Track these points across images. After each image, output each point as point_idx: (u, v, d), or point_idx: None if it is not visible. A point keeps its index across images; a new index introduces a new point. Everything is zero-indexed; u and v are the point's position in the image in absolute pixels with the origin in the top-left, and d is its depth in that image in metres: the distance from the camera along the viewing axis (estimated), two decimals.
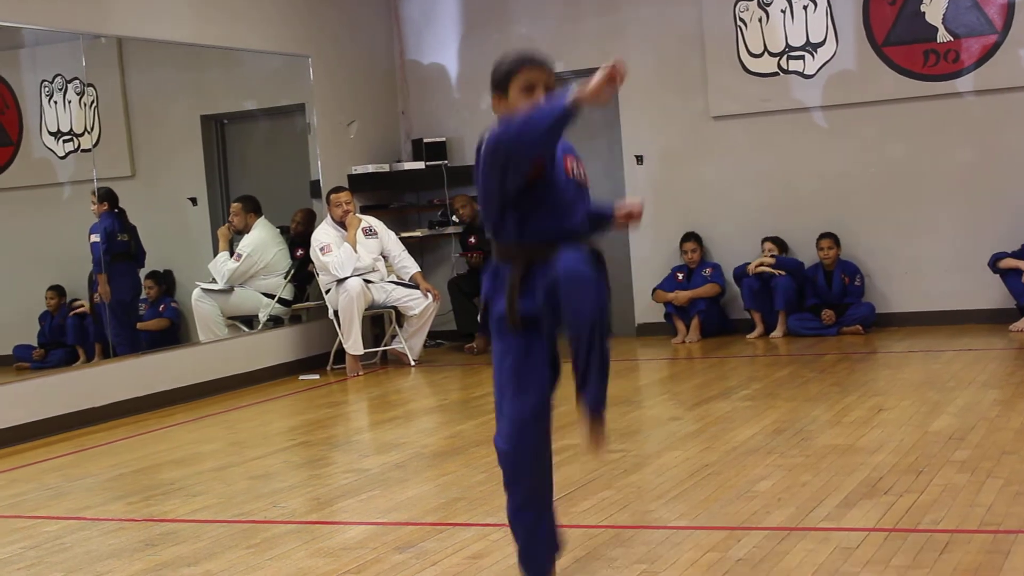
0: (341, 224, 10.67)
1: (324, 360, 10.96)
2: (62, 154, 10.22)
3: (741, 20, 11.22)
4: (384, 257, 10.91)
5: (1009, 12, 10.38)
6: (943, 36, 10.57)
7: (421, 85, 12.50)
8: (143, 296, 10.64)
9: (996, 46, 10.42)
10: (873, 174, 10.89)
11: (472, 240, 11.70)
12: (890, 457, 5.87)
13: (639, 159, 11.65)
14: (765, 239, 11.05)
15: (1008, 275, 10.15)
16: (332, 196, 10.75)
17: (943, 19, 10.57)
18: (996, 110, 10.51)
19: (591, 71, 12.17)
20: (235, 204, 11.14)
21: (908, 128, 10.76)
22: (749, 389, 8.20)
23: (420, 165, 12.06)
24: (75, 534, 5.68)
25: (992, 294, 10.42)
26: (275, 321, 11.14)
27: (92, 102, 10.16)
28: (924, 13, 10.62)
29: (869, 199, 10.92)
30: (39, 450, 8.05)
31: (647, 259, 11.61)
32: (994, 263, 10.20)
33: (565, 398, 4.09)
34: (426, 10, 12.47)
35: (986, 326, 10.34)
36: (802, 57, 11.05)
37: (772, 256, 10.89)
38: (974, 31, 10.49)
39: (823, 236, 10.81)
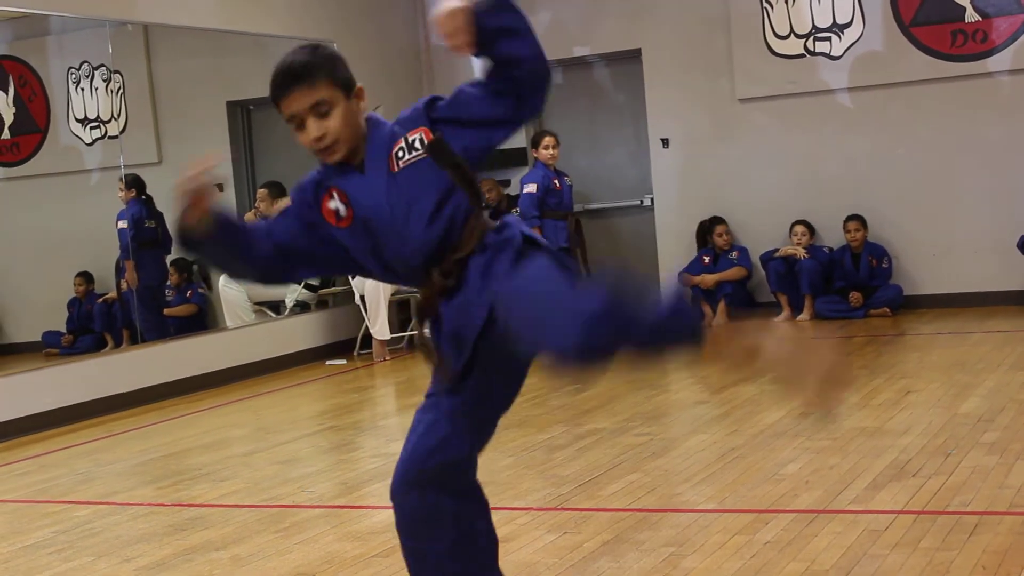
0: None
1: (351, 345, 10.98)
2: (89, 141, 10.26)
3: (767, 2, 11.16)
4: None
5: None
6: (971, 16, 10.50)
7: (446, 69, 12.49)
8: (170, 282, 10.67)
9: None
10: (901, 156, 10.84)
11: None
12: (918, 439, 5.85)
13: (665, 142, 11.62)
14: (795, 223, 11.00)
15: None
16: None
17: None
18: None
19: (616, 54, 12.16)
20: (261, 190, 11.16)
21: (936, 109, 10.70)
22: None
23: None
24: (105, 519, 5.71)
25: (1021, 275, 10.36)
26: (302, 307, 11.17)
27: (119, 89, 10.19)
28: None
29: (897, 181, 10.86)
30: (69, 435, 8.10)
31: (673, 242, 11.58)
32: (1023, 244, 10.13)
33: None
34: None
35: (1015, 307, 10.28)
36: (829, 38, 10.99)
37: (800, 247, 10.83)
38: (1003, 11, 10.42)
39: (850, 218, 10.76)
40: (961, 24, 10.53)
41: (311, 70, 3.11)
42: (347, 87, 3.16)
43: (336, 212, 3.21)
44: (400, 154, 3.13)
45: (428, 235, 3.11)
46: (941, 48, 10.61)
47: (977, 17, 10.47)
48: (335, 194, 3.21)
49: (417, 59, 12.50)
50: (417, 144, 3.12)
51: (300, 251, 3.29)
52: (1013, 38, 10.38)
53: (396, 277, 3.28)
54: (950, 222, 10.74)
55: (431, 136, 3.11)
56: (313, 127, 3.12)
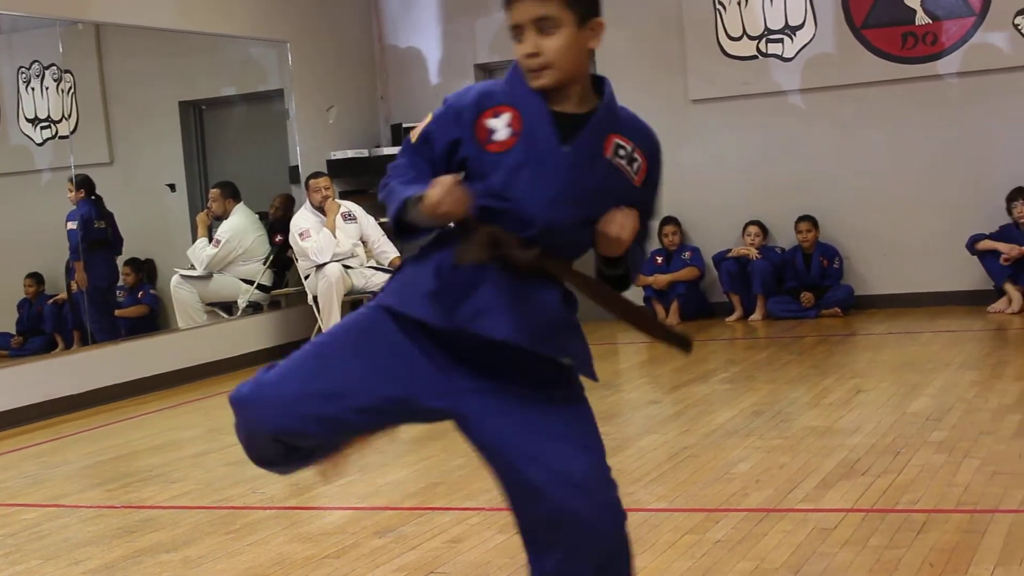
0: (320, 209, 10.64)
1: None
2: (39, 141, 10.18)
3: (720, 3, 11.21)
4: (363, 242, 10.88)
5: None
6: (921, 19, 10.58)
7: (400, 70, 12.48)
8: (121, 283, 10.60)
9: (974, 28, 10.44)
10: (852, 157, 10.90)
11: (451, 225, 11.66)
12: (868, 438, 5.89)
13: None
14: (748, 223, 11.05)
15: (986, 257, 10.18)
16: (311, 181, 10.72)
17: (921, 2, 10.59)
18: (974, 93, 10.53)
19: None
20: (214, 190, 11.10)
21: (886, 111, 10.78)
22: (728, 372, 8.22)
23: (399, 150, 12.01)
24: (53, 521, 5.66)
25: (970, 275, 10.45)
26: (254, 307, 11.12)
27: (69, 88, 10.12)
28: None
29: (848, 182, 10.93)
30: (17, 438, 8.02)
31: None
32: (972, 245, 10.23)
33: None
34: None
35: (964, 307, 10.37)
36: (781, 40, 11.05)
37: (753, 247, 10.88)
38: (952, 13, 10.51)
39: (801, 219, 10.83)
40: (912, 27, 10.61)
41: None
42: (584, 13, 2.83)
43: (491, 131, 2.81)
44: (619, 151, 2.87)
45: (559, 225, 2.81)
46: (892, 50, 10.69)
47: (927, 20, 10.56)
48: (506, 114, 2.81)
49: (371, 59, 12.48)
50: (636, 166, 2.91)
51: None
52: (962, 41, 10.47)
53: (491, 218, 2.82)
54: (900, 223, 10.81)
55: (644, 175, 2.94)
56: (530, 42, 2.78)
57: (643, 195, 2.95)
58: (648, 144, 2.95)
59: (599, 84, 2.92)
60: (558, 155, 2.78)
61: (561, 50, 2.77)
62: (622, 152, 2.86)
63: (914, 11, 10.60)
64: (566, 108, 2.84)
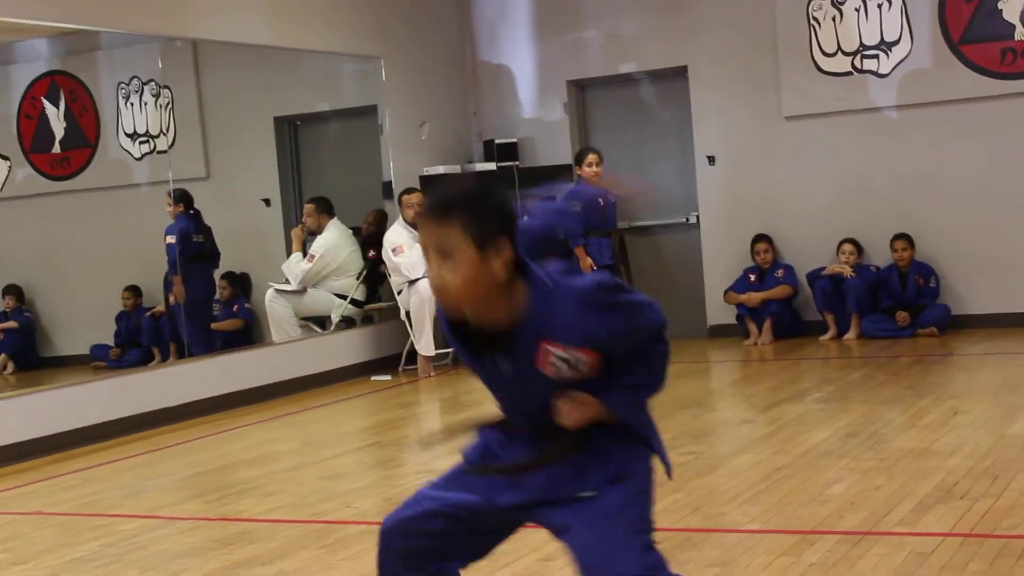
0: (413, 225, 10.69)
1: (396, 361, 11.00)
2: (138, 156, 10.36)
3: (814, 19, 11.13)
4: None
5: None
6: (1021, 34, 10.43)
7: (492, 86, 12.52)
8: (217, 296, 10.74)
9: None
10: (948, 174, 10.77)
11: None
12: (966, 461, 5.80)
13: (711, 160, 11.60)
14: (843, 241, 10.95)
15: None
16: (404, 197, 10.79)
17: (1021, 16, 10.43)
18: None
19: (663, 71, 12.12)
20: (308, 205, 11.21)
21: (984, 127, 10.63)
22: (822, 392, 8.14)
23: (492, 166, 12.07)
24: (151, 532, 5.74)
25: None
26: (347, 322, 11.20)
27: (168, 104, 10.28)
28: (1001, 11, 10.48)
29: (944, 199, 10.80)
30: (115, 449, 8.15)
31: (719, 260, 11.56)
32: None
33: None
34: (498, 11, 12.49)
35: None
36: (876, 56, 10.95)
37: (848, 265, 10.78)
38: None
39: (897, 237, 10.71)
40: (1011, 42, 10.46)
41: (447, 207, 2.78)
42: (482, 238, 2.74)
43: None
44: (554, 360, 2.82)
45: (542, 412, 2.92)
46: (990, 66, 10.54)
47: None
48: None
49: (464, 75, 12.54)
50: (580, 362, 2.83)
51: None
52: None
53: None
54: (998, 241, 10.66)
55: (596, 366, 2.86)
56: (433, 270, 2.79)
57: (613, 354, 2.90)
58: (583, 327, 2.81)
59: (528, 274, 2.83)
60: (505, 380, 2.91)
61: (462, 282, 2.75)
62: (556, 361, 2.82)
63: (1013, 26, 10.45)
64: (498, 323, 2.83)
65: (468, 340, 2.89)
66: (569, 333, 2.80)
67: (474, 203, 2.79)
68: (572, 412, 2.87)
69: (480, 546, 3.20)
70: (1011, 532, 4.61)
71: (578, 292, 2.82)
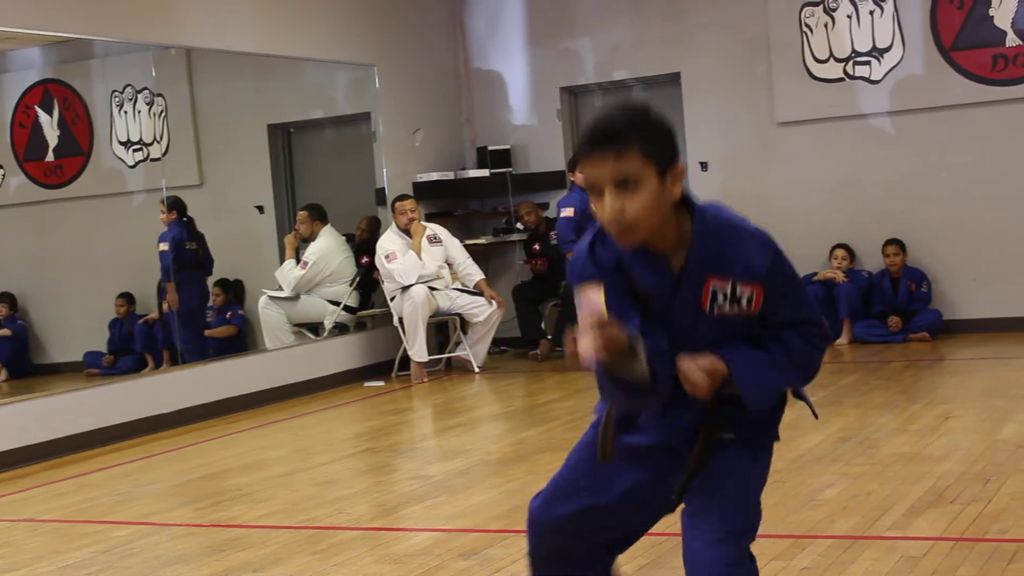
0: (406, 232, 10.72)
1: (389, 367, 11.01)
2: (132, 163, 10.36)
3: (807, 25, 11.16)
4: (449, 264, 10.96)
5: None
6: (1012, 40, 10.46)
7: (486, 93, 12.54)
8: (210, 303, 10.74)
9: None
10: (940, 180, 10.79)
11: (536, 247, 11.71)
12: (957, 466, 5.82)
13: (703, 165, 11.62)
14: (835, 246, 10.97)
15: None
16: (397, 204, 10.81)
17: (1012, 23, 10.46)
18: None
19: (655, 78, 12.13)
20: (301, 212, 11.23)
21: (976, 133, 10.66)
22: (815, 396, 8.07)
23: (485, 173, 12.09)
24: (144, 539, 5.75)
25: None
26: (340, 328, 11.22)
27: (161, 112, 10.29)
28: (993, 17, 10.52)
29: (936, 205, 10.82)
30: (108, 456, 8.15)
31: None
32: None
33: None
34: (490, 18, 12.51)
35: None
36: (868, 62, 10.98)
37: (840, 271, 10.80)
38: None
39: (889, 242, 10.73)
40: (1002, 48, 10.49)
41: (622, 134, 2.63)
42: (663, 164, 2.67)
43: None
44: (717, 297, 2.75)
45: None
46: (982, 72, 10.57)
47: (1018, 41, 10.43)
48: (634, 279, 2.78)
49: (457, 82, 12.55)
50: (744, 300, 2.75)
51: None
52: None
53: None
54: (990, 246, 10.68)
55: (760, 301, 2.77)
56: (611, 202, 2.65)
57: (771, 308, 2.81)
58: (754, 265, 2.75)
59: (691, 208, 2.78)
60: (670, 309, 2.78)
61: (644, 210, 2.65)
62: (720, 298, 2.74)
63: (1005, 33, 10.48)
64: (667, 251, 2.76)
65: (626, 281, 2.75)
66: (742, 268, 2.73)
67: (648, 124, 2.66)
68: (696, 379, 2.70)
69: (640, 529, 3.15)
70: (1001, 536, 4.63)
71: (757, 232, 2.76)
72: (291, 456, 7.72)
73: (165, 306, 10.18)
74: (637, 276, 2.76)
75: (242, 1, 10.24)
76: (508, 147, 12.22)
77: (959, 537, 4.65)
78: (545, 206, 11.93)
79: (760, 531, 4.94)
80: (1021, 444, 6.19)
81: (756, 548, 4.69)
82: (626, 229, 2.67)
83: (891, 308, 10.68)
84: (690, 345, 2.75)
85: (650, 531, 5.04)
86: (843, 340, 10.72)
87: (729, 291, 2.73)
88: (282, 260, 11.13)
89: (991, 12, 10.52)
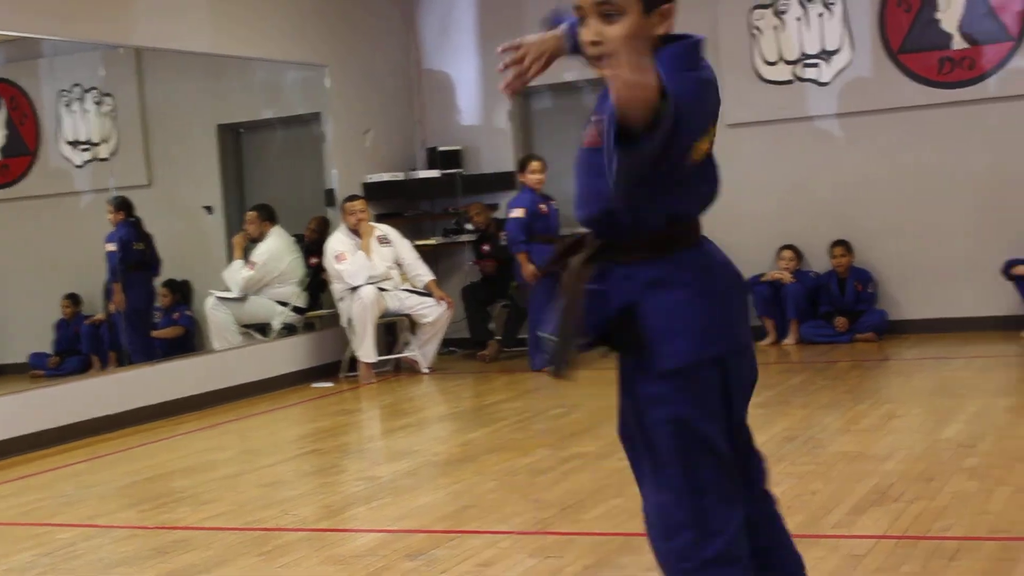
0: (355, 232, 10.70)
1: (337, 368, 10.98)
2: (79, 163, 10.28)
3: (756, 28, 11.22)
4: (398, 265, 10.94)
5: None
6: (959, 43, 10.55)
7: (436, 94, 12.53)
8: (158, 304, 10.68)
9: (1012, 53, 10.40)
10: (887, 181, 10.87)
11: (486, 248, 11.70)
12: (900, 465, 5.86)
13: None
14: (782, 247, 11.03)
15: (1021, 281, 10.12)
16: (347, 204, 10.78)
17: (959, 26, 10.56)
18: (1011, 117, 10.48)
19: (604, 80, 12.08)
20: (250, 212, 11.18)
21: (923, 135, 10.75)
22: (761, 396, 8.19)
23: (435, 173, 12.08)
24: (88, 541, 5.70)
25: (1005, 301, 10.38)
26: (289, 329, 11.17)
27: (110, 111, 10.22)
28: (939, 20, 10.61)
29: (883, 206, 10.90)
30: (53, 457, 8.08)
31: None
32: (1007, 269, 10.17)
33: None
34: (442, 20, 12.50)
35: (998, 333, 10.30)
36: (817, 65, 11.04)
37: (787, 271, 10.86)
38: (990, 38, 10.47)
39: (836, 243, 10.80)
40: (949, 52, 10.58)
41: None
42: (649, 3, 2.74)
43: None
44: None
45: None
46: (929, 75, 10.66)
47: (965, 44, 10.53)
48: None
49: (408, 83, 12.53)
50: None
51: None
52: (1000, 65, 10.43)
53: None
54: (935, 248, 10.77)
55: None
56: (591, 28, 2.73)
57: None
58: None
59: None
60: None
61: (623, 39, 2.66)
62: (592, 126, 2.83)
63: (951, 36, 10.57)
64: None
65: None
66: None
67: None
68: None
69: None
70: (943, 534, 4.67)
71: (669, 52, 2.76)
72: (238, 457, 7.69)
73: (112, 307, 10.11)
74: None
75: (193, 1, 10.18)
76: (459, 148, 12.21)
77: (902, 535, 4.69)
78: (495, 207, 11.94)
79: None
80: (963, 443, 6.24)
81: None
82: (600, 55, 2.73)
83: (838, 308, 10.75)
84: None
85: (596, 531, 5.07)
86: (790, 340, 10.78)
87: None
88: (230, 261, 11.08)
89: (938, 15, 10.61)
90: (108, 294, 10.18)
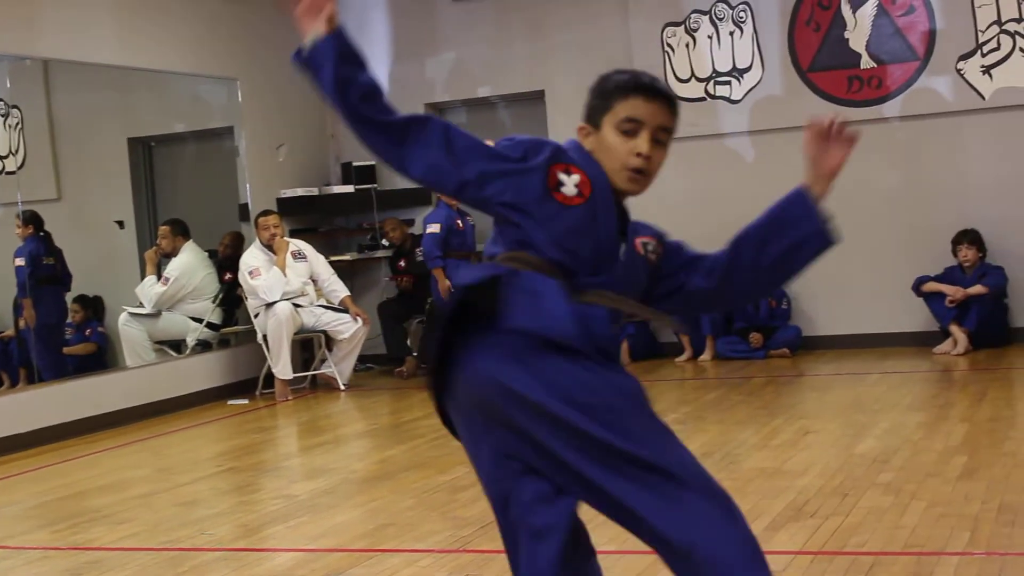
0: (269, 248, 10.63)
1: (253, 385, 10.90)
2: None
3: (668, 45, 11.32)
4: (313, 281, 10.88)
5: (930, 39, 10.54)
6: (867, 62, 10.72)
7: None
8: (69, 320, 10.53)
9: (918, 73, 10.58)
10: None
11: (402, 264, 11.69)
12: (816, 480, 5.93)
13: None
14: None
15: (931, 298, 10.29)
16: (260, 219, 10.71)
17: (866, 45, 10.73)
18: (918, 136, 10.66)
19: (520, 95, 12.20)
20: (163, 227, 11.06)
21: None
22: (678, 412, 8.25)
23: (350, 189, 12.04)
24: None
25: (916, 317, 10.55)
26: (203, 345, 11.07)
27: (17, 124, 10.07)
28: (848, 40, 10.77)
29: None
30: None
31: None
32: (918, 286, 10.33)
33: None
34: (355, 32, 12.34)
35: (911, 348, 10.47)
36: (729, 82, 11.16)
37: None
38: (897, 57, 10.65)
39: None
40: (857, 70, 10.75)
41: (674, 100, 3.01)
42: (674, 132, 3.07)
43: (560, 183, 2.87)
44: (646, 247, 3.11)
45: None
46: (838, 93, 10.82)
47: (872, 64, 10.70)
48: (577, 176, 2.89)
49: (319, 99, 12.44)
50: (655, 254, 3.16)
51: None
52: (907, 85, 10.61)
53: (572, 263, 2.90)
54: (847, 264, 10.87)
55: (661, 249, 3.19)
56: (646, 145, 2.92)
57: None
58: (654, 231, 3.19)
59: None
60: (615, 252, 2.95)
61: (659, 167, 2.96)
62: (649, 247, 3.09)
63: (859, 55, 10.74)
64: (622, 207, 3.02)
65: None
66: (649, 231, 3.20)
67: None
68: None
69: None
70: (859, 549, 4.72)
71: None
72: (153, 476, 7.60)
73: (21, 322, 9.96)
74: (600, 212, 2.89)
75: (101, 12, 10.07)
76: (373, 163, 12.17)
77: (818, 551, 4.74)
78: (411, 222, 11.92)
79: (624, 547, 5.00)
80: (877, 458, 6.33)
81: (619, 566, 4.75)
82: (643, 176, 2.94)
83: (752, 325, 10.86)
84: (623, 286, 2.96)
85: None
86: (706, 356, 10.87)
87: (652, 246, 3.13)
88: (143, 276, 10.95)
89: (846, 35, 10.77)
90: (17, 310, 10.03)
